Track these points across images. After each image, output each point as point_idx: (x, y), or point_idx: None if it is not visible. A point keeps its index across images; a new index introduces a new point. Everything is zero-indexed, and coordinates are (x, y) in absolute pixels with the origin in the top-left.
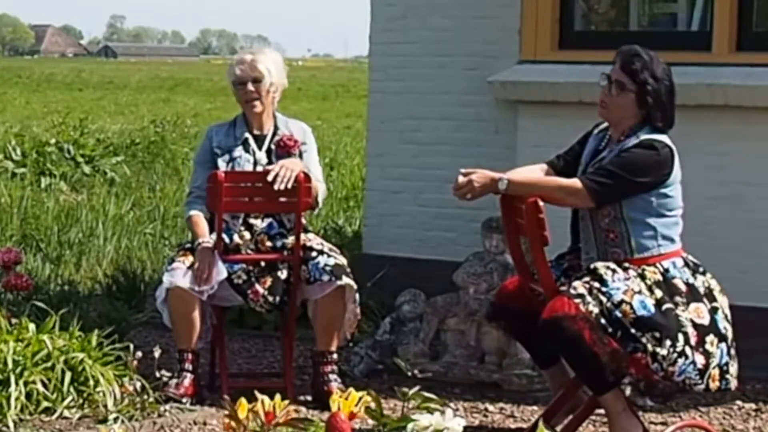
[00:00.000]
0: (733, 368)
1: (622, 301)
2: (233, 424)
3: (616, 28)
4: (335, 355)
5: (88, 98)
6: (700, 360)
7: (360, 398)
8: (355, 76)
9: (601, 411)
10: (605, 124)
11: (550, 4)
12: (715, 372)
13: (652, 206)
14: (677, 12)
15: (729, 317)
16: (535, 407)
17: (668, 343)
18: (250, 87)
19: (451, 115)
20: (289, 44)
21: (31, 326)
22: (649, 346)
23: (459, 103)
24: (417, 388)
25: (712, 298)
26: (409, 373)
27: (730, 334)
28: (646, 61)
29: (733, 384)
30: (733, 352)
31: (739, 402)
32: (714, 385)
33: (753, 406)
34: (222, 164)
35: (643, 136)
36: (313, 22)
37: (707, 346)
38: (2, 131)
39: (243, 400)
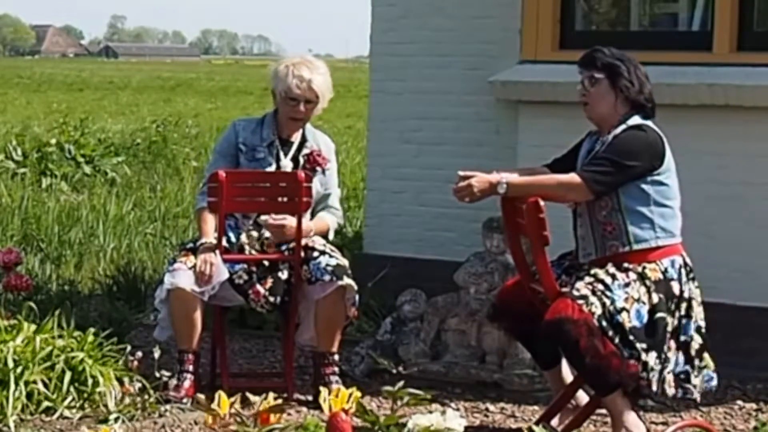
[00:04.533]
0: (696, 380)
1: (623, 309)
2: (211, 419)
3: (617, 28)
4: (336, 356)
5: (88, 98)
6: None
7: (350, 395)
8: (356, 76)
9: (602, 411)
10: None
11: (551, 4)
12: (670, 377)
13: (648, 195)
14: (678, 12)
15: (703, 329)
16: (536, 407)
17: (654, 354)
18: (301, 107)
19: (452, 115)
20: (290, 44)
21: (29, 326)
22: (643, 355)
23: (460, 103)
24: (401, 383)
25: (689, 307)
26: (394, 371)
27: (696, 345)
28: (605, 52)
29: (696, 395)
30: (699, 363)
31: (740, 402)
32: (670, 390)
33: (754, 406)
34: (244, 162)
35: (631, 122)
36: (314, 22)
37: (668, 352)
38: (3, 131)
39: (222, 396)
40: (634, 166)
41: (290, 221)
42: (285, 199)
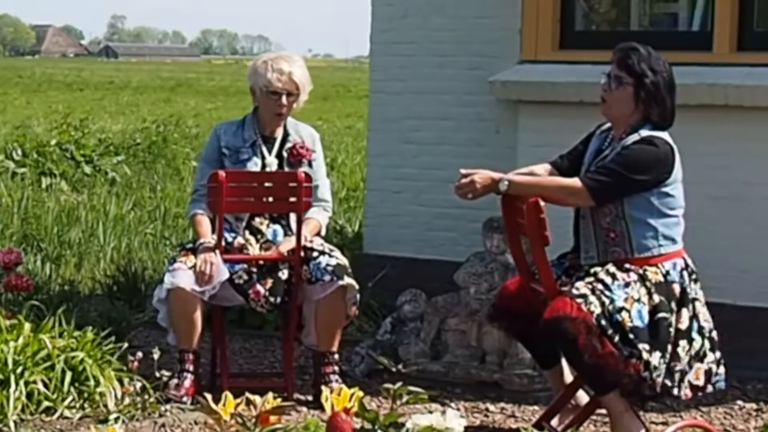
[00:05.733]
0: (689, 375)
1: (622, 308)
2: (213, 419)
3: (617, 28)
4: (336, 356)
5: (88, 98)
6: (677, 366)
7: (352, 395)
8: (356, 76)
9: (602, 411)
10: (608, 125)
11: (551, 3)
12: (677, 376)
13: (653, 205)
14: (678, 12)
15: (705, 330)
16: (536, 407)
17: (658, 354)
18: (284, 100)
19: (452, 115)
20: (290, 44)
21: (29, 325)
22: (644, 354)
23: (460, 103)
24: (400, 383)
25: (694, 308)
26: (393, 369)
27: (696, 346)
28: (642, 54)
29: (684, 393)
30: (712, 356)
31: (740, 402)
32: (684, 392)
33: (754, 406)
34: (229, 165)
35: (644, 133)
36: (314, 22)
37: (678, 350)
38: (3, 131)
39: (229, 397)
40: (640, 180)
41: (291, 242)
42: (285, 199)
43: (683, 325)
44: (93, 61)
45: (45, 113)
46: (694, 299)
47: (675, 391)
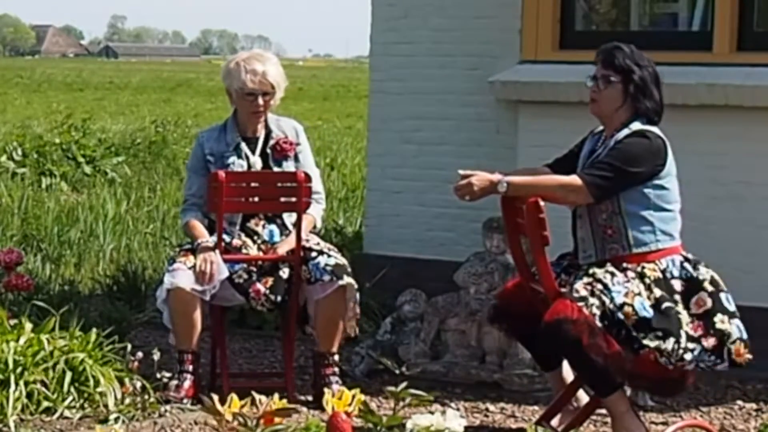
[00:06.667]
0: (726, 349)
1: (624, 304)
2: (215, 419)
3: (617, 28)
4: (336, 356)
5: (89, 98)
6: (710, 342)
7: (353, 397)
8: (356, 76)
9: (602, 411)
10: (600, 128)
11: (551, 4)
12: (738, 346)
13: (649, 199)
14: (678, 12)
15: (729, 310)
16: (536, 407)
17: (672, 339)
18: (260, 101)
19: (452, 115)
20: (290, 44)
21: (31, 326)
22: (652, 344)
23: (460, 103)
24: (404, 384)
25: (715, 284)
26: (397, 371)
27: (720, 320)
28: (626, 52)
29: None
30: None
31: (740, 402)
32: (741, 359)
33: (754, 406)
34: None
35: (635, 127)
36: (314, 22)
37: (718, 326)
38: (3, 131)
39: (234, 398)
40: (636, 172)
41: (288, 243)
42: (285, 199)
43: (707, 305)
44: (93, 61)
45: (45, 113)
46: (710, 279)
47: (744, 359)
